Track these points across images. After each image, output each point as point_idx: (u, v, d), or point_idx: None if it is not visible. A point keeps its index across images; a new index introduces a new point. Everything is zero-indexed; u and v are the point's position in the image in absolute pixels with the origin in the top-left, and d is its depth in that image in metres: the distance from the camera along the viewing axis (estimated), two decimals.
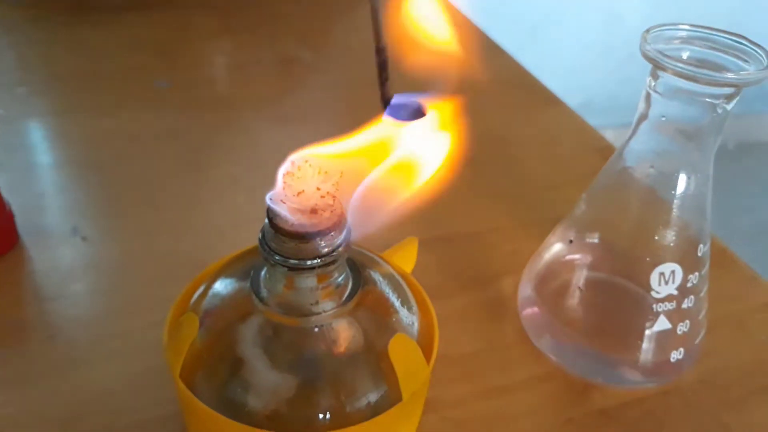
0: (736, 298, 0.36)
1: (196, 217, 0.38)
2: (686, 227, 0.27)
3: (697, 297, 0.28)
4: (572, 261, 0.30)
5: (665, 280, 0.27)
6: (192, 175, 0.41)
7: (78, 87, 0.49)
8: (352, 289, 0.25)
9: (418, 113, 0.26)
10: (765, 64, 0.24)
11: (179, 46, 0.56)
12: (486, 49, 0.59)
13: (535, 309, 0.30)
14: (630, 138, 0.27)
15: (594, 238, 0.29)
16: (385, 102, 0.25)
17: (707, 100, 0.25)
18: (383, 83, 0.27)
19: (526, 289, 0.31)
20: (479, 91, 0.53)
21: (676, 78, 0.24)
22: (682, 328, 0.28)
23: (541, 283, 0.30)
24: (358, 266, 0.26)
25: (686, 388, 0.30)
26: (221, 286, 0.26)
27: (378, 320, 0.25)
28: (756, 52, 0.24)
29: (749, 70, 0.24)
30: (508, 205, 0.41)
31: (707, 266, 0.28)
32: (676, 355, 0.28)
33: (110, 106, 0.47)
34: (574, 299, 0.29)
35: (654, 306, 0.27)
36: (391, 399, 0.24)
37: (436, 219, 0.39)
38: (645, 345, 0.28)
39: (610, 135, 1.62)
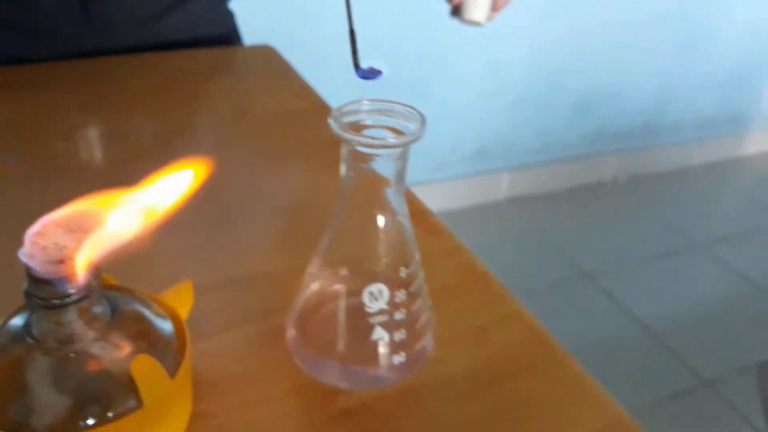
0: (484, 311, 0.43)
1: None
2: (389, 254, 0.34)
3: (409, 310, 0.35)
4: (317, 288, 0.37)
5: (375, 297, 0.34)
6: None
7: None
8: (110, 320, 0.31)
9: (376, 72, 0.35)
10: (420, 125, 0.32)
11: (33, 123, 0.61)
12: (321, 111, 0.67)
13: (293, 333, 0.37)
14: (342, 190, 0.34)
15: (332, 267, 0.36)
16: (356, 65, 0.35)
17: (386, 158, 0.32)
18: (354, 53, 0.37)
19: (290, 317, 0.37)
20: (303, 148, 0.60)
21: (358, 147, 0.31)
22: (399, 336, 0.35)
23: (296, 310, 0.37)
24: (119, 303, 0.32)
25: (421, 387, 0.37)
26: (5, 330, 0.31)
27: (130, 345, 0.31)
28: (417, 116, 0.32)
29: (412, 130, 0.32)
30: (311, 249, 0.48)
31: (416, 285, 0.35)
32: (398, 359, 0.35)
33: None
34: (317, 321, 0.36)
35: (370, 319, 0.34)
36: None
37: (237, 260, 0.46)
38: (369, 352, 0.35)
39: (506, 178, 1.72)
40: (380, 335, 0.34)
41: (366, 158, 0.32)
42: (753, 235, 2.05)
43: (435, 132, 1.89)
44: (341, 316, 0.35)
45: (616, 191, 2.23)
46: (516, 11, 1.77)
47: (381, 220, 0.34)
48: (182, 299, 0.36)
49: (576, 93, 2.04)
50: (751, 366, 1.51)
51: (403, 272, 0.34)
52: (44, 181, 0.53)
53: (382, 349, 0.35)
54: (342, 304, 0.36)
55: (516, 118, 1.96)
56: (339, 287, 0.36)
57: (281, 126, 0.65)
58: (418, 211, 0.52)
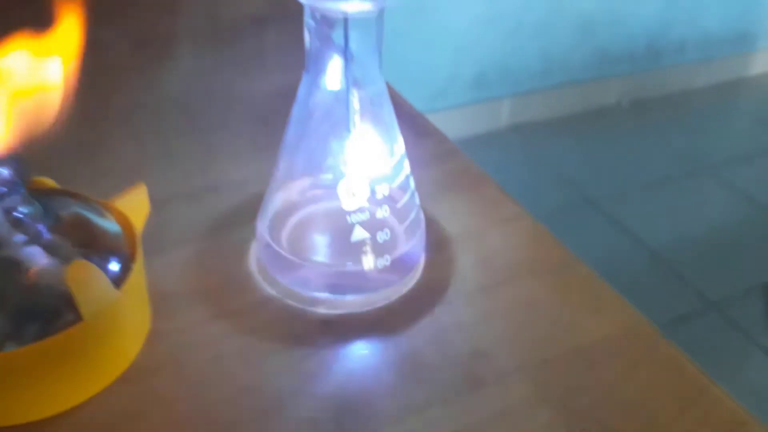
0: (480, 214, 0.39)
1: None
2: (366, 143, 0.29)
3: (393, 207, 0.31)
4: (289, 189, 0.32)
5: (352, 192, 0.29)
6: None
7: None
8: (44, 224, 0.27)
9: None
10: None
11: None
12: None
13: (265, 239, 0.32)
14: (306, 69, 0.29)
15: (301, 163, 0.31)
16: None
17: (356, 25, 0.27)
18: None
19: (260, 224, 0.33)
20: (278, 55, 0.55)
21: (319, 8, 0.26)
22: (382, 236, 0.30)
23: (268, 216, 0.33)
24: (56, 206, 0.28)
25: (411, 293, 0.33)
26: None
27: (68, 251, 0.27)
28: None
29: None
30: None
31: (400, 178, 0.31)
32: (383, 262, 0.31)
33: None
34: (291, 226, 0.32)
35: (348, 218, 0.30)
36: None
37: (205, 169, 0.41)
38: (350, 255, 0.30)
39: (507, 105, 1.66)
40: (360, 236, 0.30)
41: (331, 24, 0.27)
42: (760, 156, 2.00)
43: (431, 59, 1.82)
44: (317, 217, 0.31)
45: (619, 116, 2.16)
46: None
47: (354, 103, 0.29)
48: (136, 206, 0.31)
49: (577, 15, 1.95)
50: (758, 287, 1.49)
51: (383, 163, 0.30)
52: None
53: (364, 252, 0.30)
54: (317, 204, 0.31)
55: (516, 42, 1.88)
56: (312, 185, 0.31)
57: (255, 32, 0.59)
58: (405, 113, 0.47)
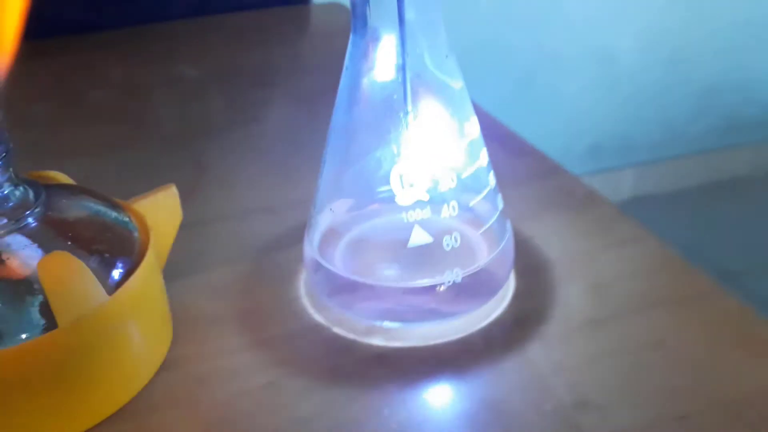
0: (592, 234, 0.31)
1: None
2: (430, 118, 0.23)
3: (464, 205, 0.24)
4: (340, 219, 0.26)
5: (407, 181, 0.23)
6: None
7: None
8: (33, 212, 0.22)
9: None
10: None
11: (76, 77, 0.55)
12: None
13: (314, 259, 0.26)
14: (354, 58, 0.24)
15: (347, 191, 0.25)
16: None
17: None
18: None
19: (308, 252, 0.27)
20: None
21: None
22: (449, 242, 0.23)
23: (319, 244, 0.27)
24: (57, 197, 0.23)
25: (494, 325, 0.25)
26: None
27: (62, 245, 0.22)
28: None
29: None
30: None
31: (475, 168, 0.24)
32: (450, 277, 0.24)
33: None
34: (344, 243, 0.26)
35: (403, 215, 0.23)
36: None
37: (266, 188, 0.36)
38: (409, 270, 0.24)
39: (629, 176, 1.54)
40: (420, 239, 0.23)
41: None
42: None
43: (544, 128, 1.74)
44: (373, 231, 0.25)
45: (752, 186, 1.97)
46: None
47: (411, 73, 0.23)
48: (162, 209, 0.27)
49: (700, 80, 1.82)
50: None
51: (449, 146, 0.23)
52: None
53: (426, 262, 0.24)
54: (374, 219, 0.25)
55: (634, 110, 1.78)
56: (368, 202, 0.25)
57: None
58: (500, 134, 0.40)
